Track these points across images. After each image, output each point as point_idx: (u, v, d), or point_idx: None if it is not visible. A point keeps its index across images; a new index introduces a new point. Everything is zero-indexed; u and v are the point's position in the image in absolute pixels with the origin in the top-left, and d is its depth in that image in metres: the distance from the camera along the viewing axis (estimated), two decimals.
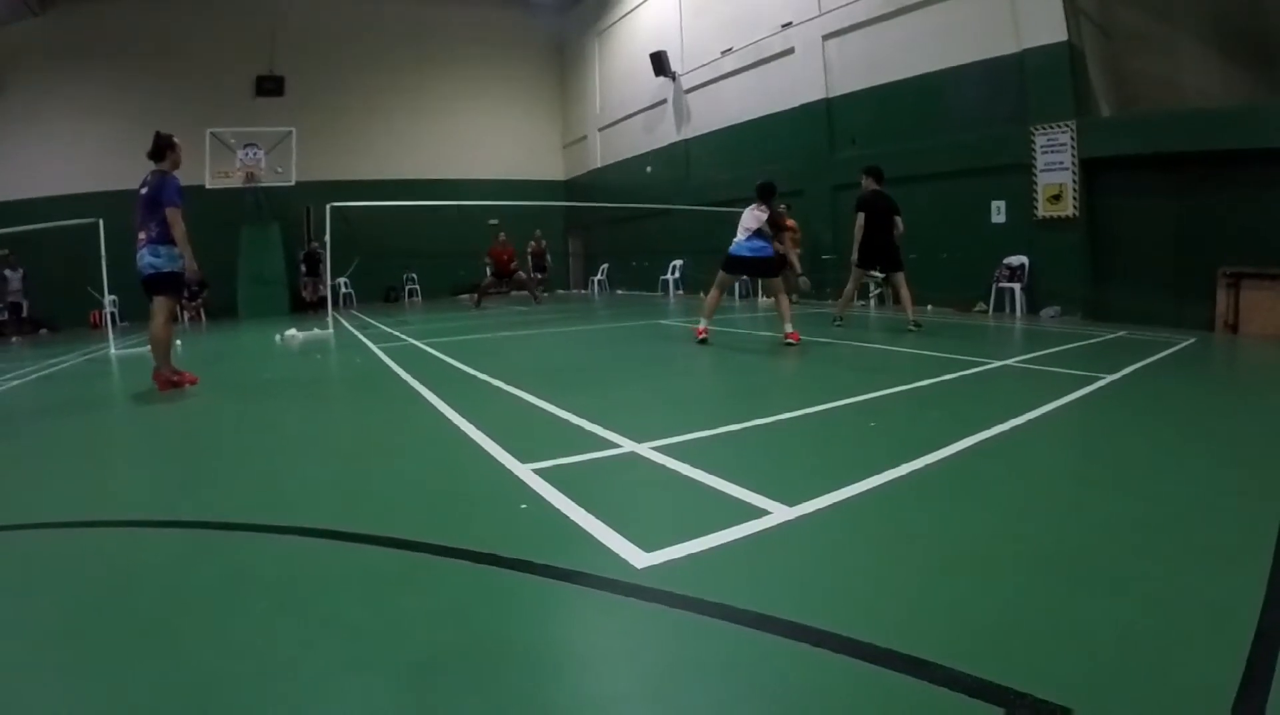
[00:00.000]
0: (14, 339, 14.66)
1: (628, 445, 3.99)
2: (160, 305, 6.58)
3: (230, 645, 2.04)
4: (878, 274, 13.55)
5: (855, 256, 10.20)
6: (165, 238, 6.38)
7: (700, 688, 1.79)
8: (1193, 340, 7.99)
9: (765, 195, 8.62)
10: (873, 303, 13.68)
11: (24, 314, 16.13)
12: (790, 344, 8.03)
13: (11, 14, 17.67)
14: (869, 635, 1.95)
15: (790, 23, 15.57)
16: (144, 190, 6.44)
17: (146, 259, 6.41)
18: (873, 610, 2.15)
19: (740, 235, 8.61)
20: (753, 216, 8.57)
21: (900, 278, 10.07)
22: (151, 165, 6.53)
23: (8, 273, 15.68)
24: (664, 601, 2.18)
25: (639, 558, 2.47)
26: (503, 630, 2.09)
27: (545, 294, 19.82)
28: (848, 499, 3.06)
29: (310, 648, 2.02)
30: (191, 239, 6.47)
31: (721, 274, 8.90)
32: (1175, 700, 1.71)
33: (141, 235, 6.43)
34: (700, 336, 8.58)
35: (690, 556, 2.49)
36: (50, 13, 18.64)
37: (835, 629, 1.98)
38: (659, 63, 19.51)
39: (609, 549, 2.57)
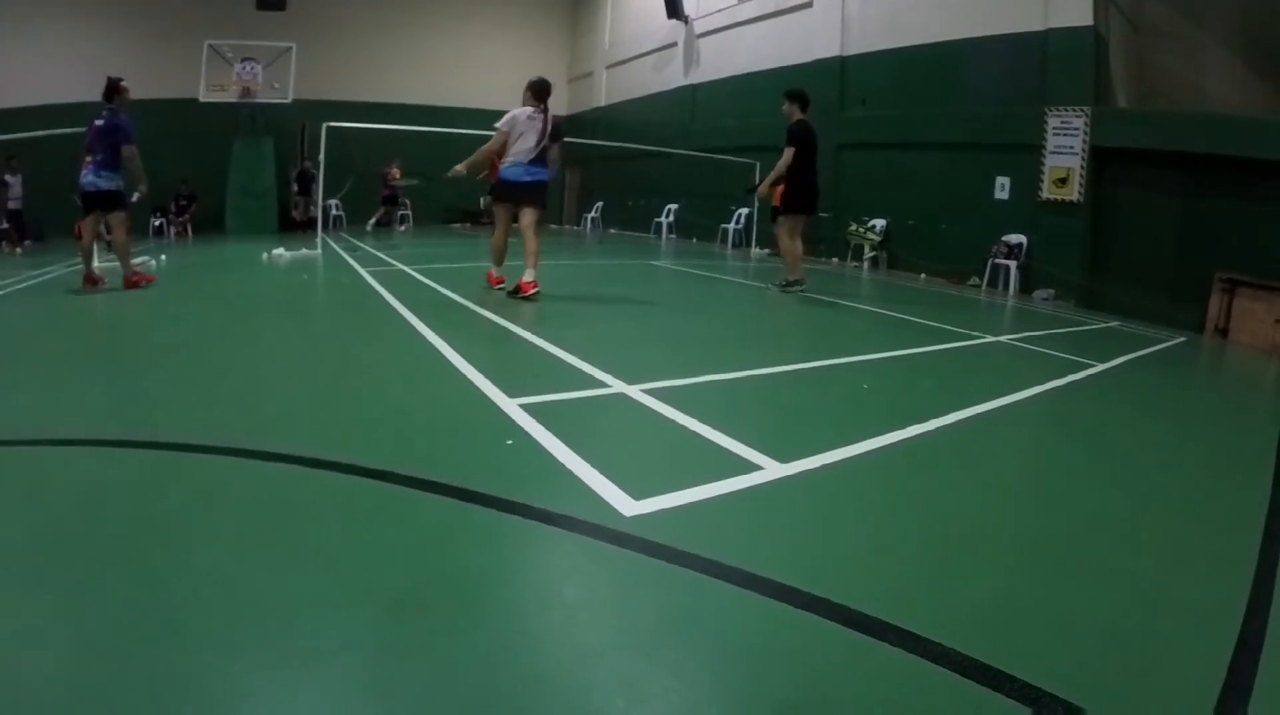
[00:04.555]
0: (9, 249, 13.52)
1: (617, 386, 3.93)
2: (116, 219, 7.51)
3: (199, 571, 1.97)
4: (875, 236, 13.55)
5: (761, 189, 9.06)
6: (110, 164, 7.25)
7: (685, 642, 1.75)
8: (1182, 340, 7.97)
9: (544, 94, 7.38)
10: (866, 265, 13.57)
11: (24, 221, 14.59)
12: (526, 297, 7.03)
13: None
14: (859, 603, 1.91)
15: None
16: (99, 123, 7.27)
17: (89, 178, 7.24)
18: (863, 578, 2.12)
19: (524, 157, 7.20)
20: (534, 128, 7.20)
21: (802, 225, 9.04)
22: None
23: (8, 178, 14.30)
24: (652, 552, 2.13)
25: (628, 505, 2.42)
26: (485, 570, 2.04)
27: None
28: (841, 461, 3.02)
29: (283, 576, 1.96)
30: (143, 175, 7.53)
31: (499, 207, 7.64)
32: (1159, 699, 1.70)
33: (89, 158, 7.27)
34: (496, 284, 7.67)
35: (680, 507, 2.44)
36: None
37: (825, 594, 1.95)
38: (673, 4, 19.07)
39: (597, 494, 2.51)
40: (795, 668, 1.69)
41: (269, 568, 2.01)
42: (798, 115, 8.76)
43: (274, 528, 2.26)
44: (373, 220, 18.85)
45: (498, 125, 7.29)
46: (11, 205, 14.42)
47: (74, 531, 2.19)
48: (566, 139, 8.09)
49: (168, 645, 1.64)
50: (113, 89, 7.37)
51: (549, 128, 7.26)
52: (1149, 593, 2.20)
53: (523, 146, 7.19)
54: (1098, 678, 1.73)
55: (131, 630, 1.69)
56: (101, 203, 7.34)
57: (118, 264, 7.62)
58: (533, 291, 7.05)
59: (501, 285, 7.58)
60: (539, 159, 7.27)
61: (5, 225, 14.23)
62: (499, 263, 7.70)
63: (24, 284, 8.11)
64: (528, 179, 7.24)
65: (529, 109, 7.23)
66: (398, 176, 18.77)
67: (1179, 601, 2.16)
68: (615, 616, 1.89)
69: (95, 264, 7.53)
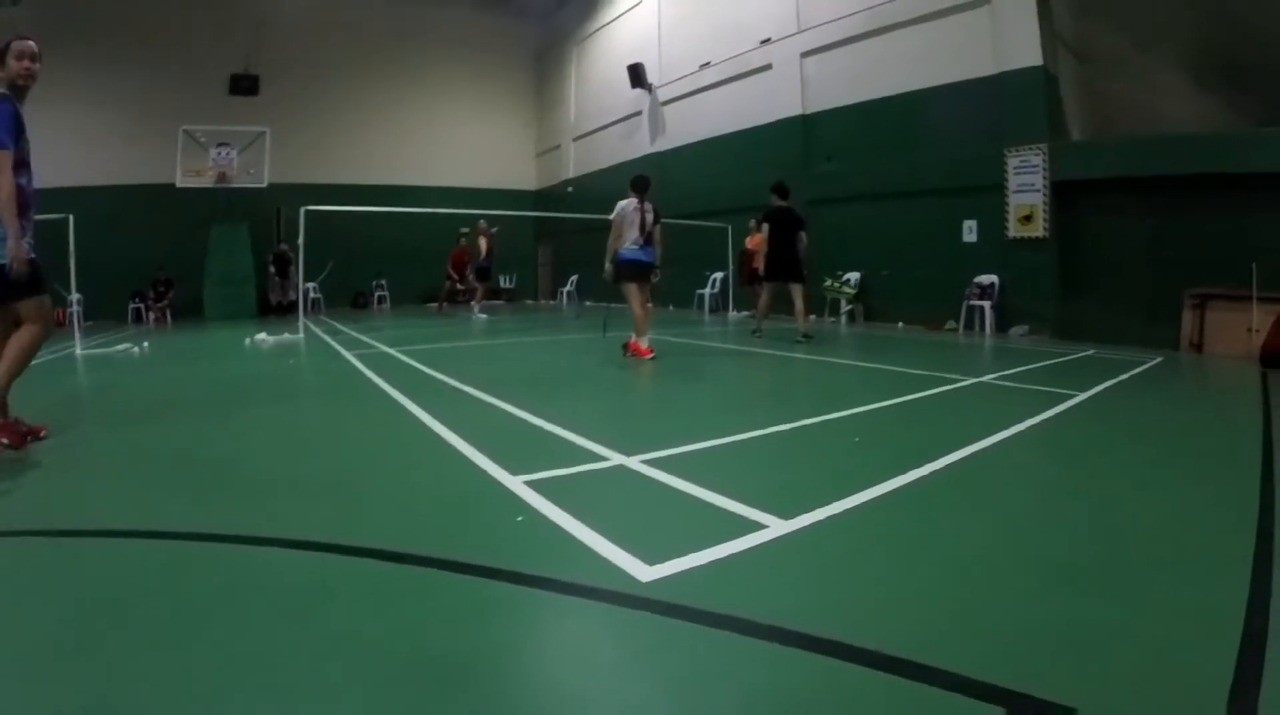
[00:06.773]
0: None
1: (616, 458, 4.00)
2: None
3: (237, 657, 2.00)
4: (850, 289, 13.81)
5: (762, 269, 11.01)
6: None
7: (717, 699, 1.81)
8: (1159, 359, 8.20)
9: (644, 188, 8.51)
10: (844, 319, 13.80)
11: None
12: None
13: None
14: (878, 643, 1.99)
15: (769, 39, 15.75)
16: None
17: None
18: (879, 618, 2.19)
19: (636, 242, 8.31)
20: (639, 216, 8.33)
21: (799, 290, 10.51)
22: None
23: None
24: (674, 614, 2.19)
25: (643, 571, 2.48)
26: (516, 642, 2.09)
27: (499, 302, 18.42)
28: (842, 512, 3.11)
29: (319, 658, 1.99)
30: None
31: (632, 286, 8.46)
32: (1173, 699, 1.79)
33: None
34: (646, 354, 8.26)
35: (693, 570, 2.50)
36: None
37: (844, 638, 2.02)
38: (636, 74, 19.60)
39: (612, 563, 2.57)
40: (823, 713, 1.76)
41: (304, 650, 2.04)
42: (778, 203, 10.60)
43: (305, 613, 2.28)
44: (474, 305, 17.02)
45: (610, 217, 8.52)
46: None
47: (103, 621, 2.22)
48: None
49: None
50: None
51: (651, 217, 8.41)
52: (1156, 599, 2.31)
53: (632, 233, 8.33)
54: (1113, 683, 1.84)
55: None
56: None
57: None
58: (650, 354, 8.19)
59: (651, 356, 8.24)
60: (648, 242, 8.41)
61: None
62: (644, 333, 8.40)
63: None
64: (646, 259, 8.43)
65: (634, 201, 8.37)
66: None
67: (1184, 605, 2.27)
68: (647, 679, 1.92)
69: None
